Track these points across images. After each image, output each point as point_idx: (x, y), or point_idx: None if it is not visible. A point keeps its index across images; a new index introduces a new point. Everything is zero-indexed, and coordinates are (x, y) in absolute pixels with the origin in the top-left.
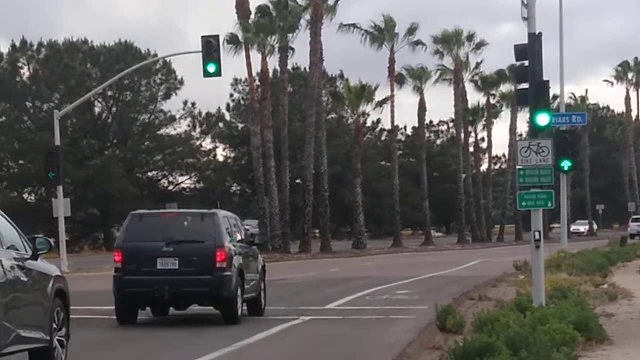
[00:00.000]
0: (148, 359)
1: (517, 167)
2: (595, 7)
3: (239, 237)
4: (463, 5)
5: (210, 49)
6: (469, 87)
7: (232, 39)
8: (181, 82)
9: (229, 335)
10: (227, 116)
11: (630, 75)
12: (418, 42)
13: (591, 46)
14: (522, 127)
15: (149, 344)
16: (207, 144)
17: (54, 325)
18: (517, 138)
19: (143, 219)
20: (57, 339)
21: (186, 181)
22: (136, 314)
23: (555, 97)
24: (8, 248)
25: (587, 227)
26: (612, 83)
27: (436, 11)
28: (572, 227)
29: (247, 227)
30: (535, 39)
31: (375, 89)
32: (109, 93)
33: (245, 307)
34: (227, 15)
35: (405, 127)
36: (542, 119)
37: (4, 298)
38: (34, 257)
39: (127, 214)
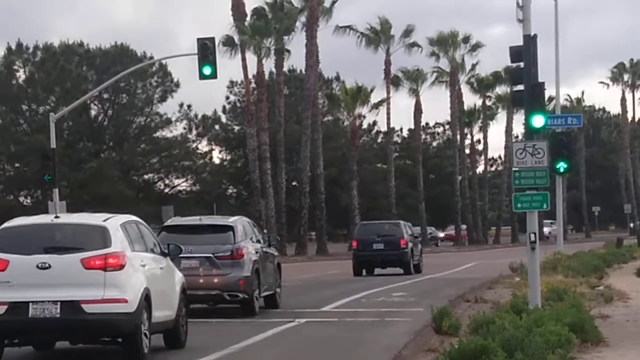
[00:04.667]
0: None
1: (513, 169)
2: (587, 9)
3: (410, 232)
4: (453, 7)
5: (205, 51)
6: (464, 89)
7: (228, 42)
8: (177, 85)
9: (225, 337)
10: (223, 119)
11: (626, 77)
12: (414, 44)
13: (584, 48)
14: (519, 129)
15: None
16: (203, 146)
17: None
18: (513, 140)
19: (366, 225)
20: (277, 290)
21: (182, 184)
22: (361, 272)
23: (551, 98)
24: (256, 242)
25: None
26: (607, 85)
27: (427, 13)
28: None
29: None
30: (530, 41)
31: (371, 91)
32: (105, 96)
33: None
34: (221, 18)
35: (401, 129)
36: (538, 121)
37: (259, 266)
38: (268, 245)
39: None
